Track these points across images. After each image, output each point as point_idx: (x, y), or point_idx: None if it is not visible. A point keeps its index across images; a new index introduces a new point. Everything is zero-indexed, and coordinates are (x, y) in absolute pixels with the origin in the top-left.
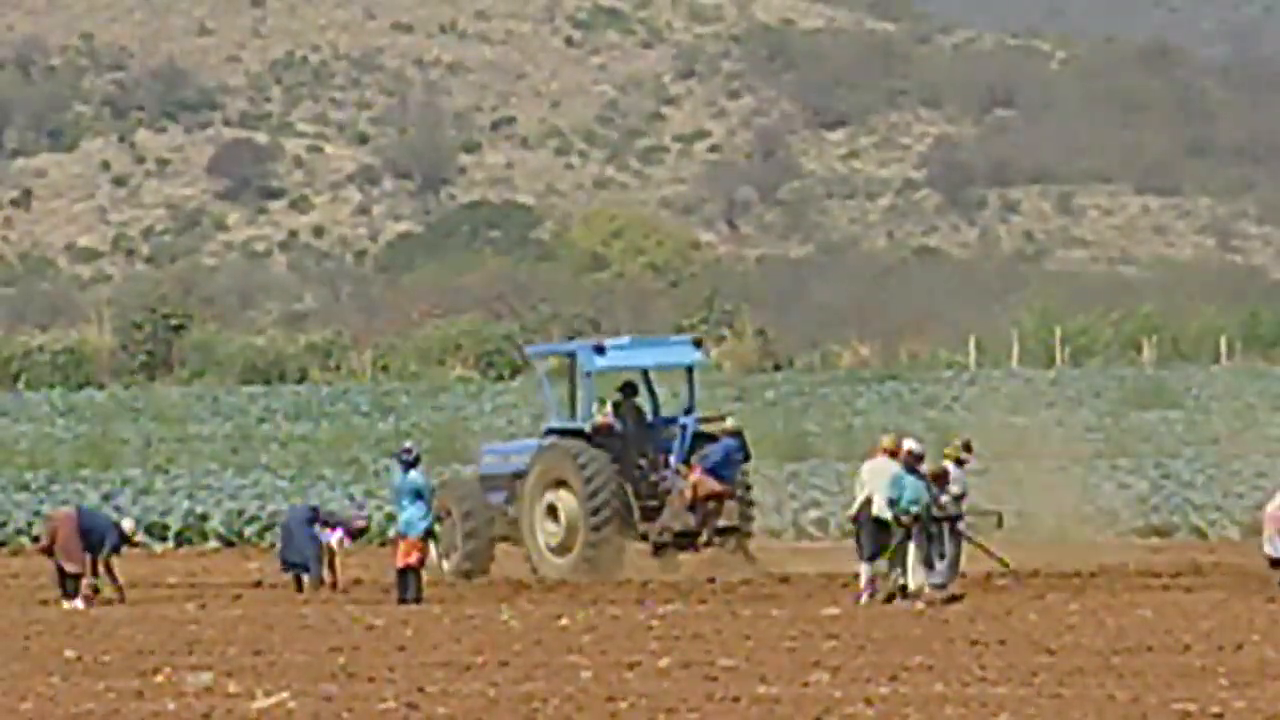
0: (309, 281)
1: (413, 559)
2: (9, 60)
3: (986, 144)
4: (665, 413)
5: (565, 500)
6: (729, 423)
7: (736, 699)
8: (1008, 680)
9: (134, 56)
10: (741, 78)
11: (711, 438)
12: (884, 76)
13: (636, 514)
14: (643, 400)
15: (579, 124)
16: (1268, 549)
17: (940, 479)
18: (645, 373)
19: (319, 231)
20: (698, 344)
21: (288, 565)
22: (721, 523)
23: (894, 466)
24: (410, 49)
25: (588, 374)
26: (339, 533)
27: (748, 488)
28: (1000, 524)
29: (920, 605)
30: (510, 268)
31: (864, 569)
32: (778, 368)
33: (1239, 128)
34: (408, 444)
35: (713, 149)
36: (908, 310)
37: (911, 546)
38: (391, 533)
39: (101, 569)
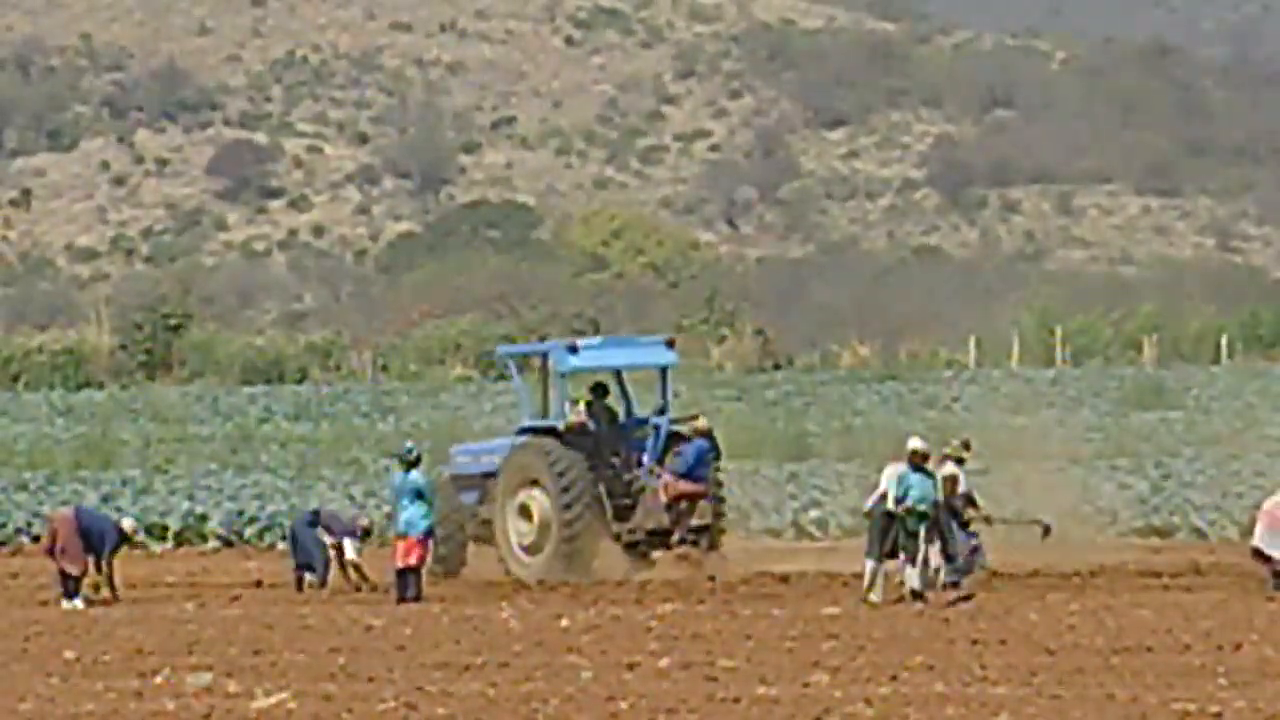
0: (308, 281)
1: (413, 559)
2: (9, 60)
3: (986, 144)
4: (640, 413)
5: (538, 499)
6: (700, 422)
7: (736, 699)
8: (1008, 680)
9: (134, 56)
10: (741, 77)
11: (684, 437)
12: (884, 76)
13: (610, 513)
14: (615, 400)
15: (579, 124)
16: (1255, 542)
17: (952, 483)
18: (619, 373)
19: (319, 231)
20: (670, 345)
21: (302, 567)
22: (695, 522)
23: (903, 467)
24: (410, 49)
25: (561, 374)
26: (347, 540)
27: (720, 485)
28: (1047, 534)
29: (921, 605)
30: (510, 268)
31: (869, 565)
32: (778, 367)
33: (1239, 128)
34: (408, 444)
35: (713, 149)
36: (908, 310)
37: (918, 546)
38: (391, 533)
39: (105, 569)
